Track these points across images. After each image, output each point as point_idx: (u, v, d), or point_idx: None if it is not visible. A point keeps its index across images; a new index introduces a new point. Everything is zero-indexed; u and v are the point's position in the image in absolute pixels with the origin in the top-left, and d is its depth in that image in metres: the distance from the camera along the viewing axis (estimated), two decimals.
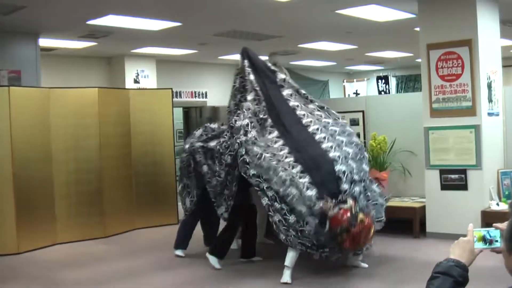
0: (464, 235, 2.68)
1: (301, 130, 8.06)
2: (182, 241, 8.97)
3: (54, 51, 13.65)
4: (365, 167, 8.08)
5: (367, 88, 20.88)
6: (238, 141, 7.69)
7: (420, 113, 9.66)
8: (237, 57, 16.13)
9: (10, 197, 9.29)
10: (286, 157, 7.56)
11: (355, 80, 21.26)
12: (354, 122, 11.45)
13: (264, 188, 7.35)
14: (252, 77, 8.59)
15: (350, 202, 7.06)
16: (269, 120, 8.20)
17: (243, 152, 7.56)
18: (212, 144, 8.41)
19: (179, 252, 8.88)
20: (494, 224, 2.69)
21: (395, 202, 10.22)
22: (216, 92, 17.95)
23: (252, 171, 7.43)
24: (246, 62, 8.80)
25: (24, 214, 9.37)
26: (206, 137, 8.72)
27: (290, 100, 8.55)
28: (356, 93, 20.24)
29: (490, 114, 9.26)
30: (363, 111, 11.38)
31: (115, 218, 10.55)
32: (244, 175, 7.54)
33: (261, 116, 8.22)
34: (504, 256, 2.39)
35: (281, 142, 7.86)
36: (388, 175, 10.48)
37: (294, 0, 9.54)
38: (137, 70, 15.41)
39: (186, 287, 7.41)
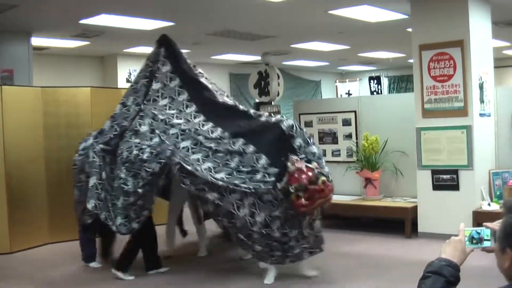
0: (456, 235, 2.69)
1: (235, 113, 7.85)
2: (91, 254, 8.46)
3: (46, 50, 13.63)
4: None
5: (360, 88, 20.91)
6: (170, 147, 7.24)
7: (412, 113, 9.68)
8: (230, 57, 16.22)
9: (2, 196, 9.28)
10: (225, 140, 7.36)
11: (347, 80, 21.29)
12: (346, 123, 11.48)
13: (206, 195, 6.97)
14: (168, 67, 8.17)
15: (315, 163, 6.92)
16: (194, 107, 7.89)
17: (177, 161, 7.04)
18: (121, 147, 7.61)
19: (93, 265, 8.39)
20: (484, 224, 2.70)
21: (387, 202, 10.28)
22: None
23: (189, 181, 6.98)
24: (162, 50, 8.33)
25: (17, 214, 9.36)
26: (108, 138, 7.92)
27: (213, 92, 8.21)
28: (349, 93, 20.27)
29: (481, 115, 9.29)
30: (355, 111, 11.40)
31: None
32: (184, 185, 7.09)
33: (188, 109, 7.88)
34: (497, 255, 2.40)
35: (210, 125, 7.58)
36: (380, 175, 10.51)
37: (287, 0, 9.55)
38: (129, 70, 15.40)
39: (181, 285, 7.43)
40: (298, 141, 7.13)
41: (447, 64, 9.19)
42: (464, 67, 9.03)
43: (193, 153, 7.31)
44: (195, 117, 7.75)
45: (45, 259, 8.89)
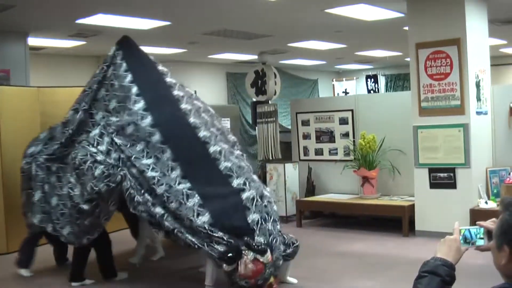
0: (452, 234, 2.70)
1: (194, 148, 7.06)
2: (26, 260, 8.11)
3: (43, 50, 13.62)
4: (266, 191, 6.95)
5: (357, 87, 20.90)
6: (122, 173, 6.70)
7: (409, 112, 9.69)
8: (227, 56, 16.21)
9: None
10: (179, 184, 6.62)
11: (344, 79, 21.28)
12: (343, 121, 11.50)
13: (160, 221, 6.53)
14: (128, 74, 7.42)
15: (268, 256, 6.22)
16: (158, 136, 6.97)
17: (128, 186, 6.63)
18: (76, 151, 7.12)
19: (23, 272, 8.02)
20: (477, 222, 2.71)
21: (384, 201, 10.29)
22: (205, 92, 17.90)
23: (142, 209, 6.57)
24: (121, 53, 7.68)
25: (14, 214, 9.33)
26: (54, 147, 7.59)
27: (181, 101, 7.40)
28: (346, 92, 20.25)
29: (478, 113, 9.30)
30: (352, 110, 11.42)
31: None
32: (133, 211, 6.69)
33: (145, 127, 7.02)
34: (493, 253, 2.40)
35: (177, 170, 6.79)
36: (377, 174, 10.52)
37: None
38: None
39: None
40: (255, 216, 6.45)
41: (443, 63, 9.19)
42: (460, 65, 9.04)
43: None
44: (151, 135, 6.95)
45: (42, 260, 8.84)
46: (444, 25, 9.19)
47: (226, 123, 16.90)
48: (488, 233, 2.61)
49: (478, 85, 9.28)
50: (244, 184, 6.71)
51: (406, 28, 10.10)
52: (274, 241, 6.44)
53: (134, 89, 7.20)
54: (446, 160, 9.28)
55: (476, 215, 8.74)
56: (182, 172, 6.73)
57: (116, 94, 7.26)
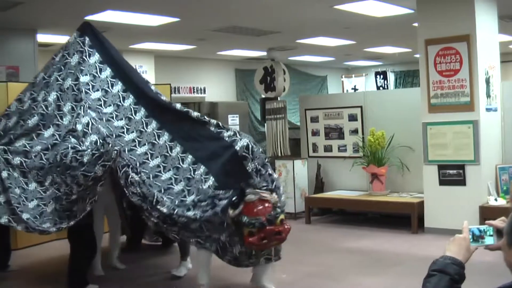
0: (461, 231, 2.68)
1: (185, 117, 6.99)
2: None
3: (52, 46, 13.63)
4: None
5: (366, 83, 20.85)
6: (116, 148, 6.20)
7: (418, 108, 9.66)
8: (236, 53, 16.20)
9: None
10: (172, 149, 6.65)
11: (353, 75, 21.23)
12: (352, 118, 11.48)
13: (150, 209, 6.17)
14: (96, 57, 7.23)
15: (275, 196, 6.12)
16: (132, 98, 7.07)
17: (124, 163, 6.23)
18: (21, 143, 6.73)
19: None
20: (486, 221, 2.69)
21: (393, 198, 10.27)
22: (214, 88, 17.96)
23: (135, 190, 6.16)
24: (87, 40, 7.33)
25: None
26: (8, 138, 6.97)
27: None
28: (355, 89, 20.20)
29: (488, 110, 9.26)
30: (361, 107, 11.39)
31: None
32: (126, 191, 6.26)
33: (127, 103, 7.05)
34: (504, 250, 2.38)
35: (165, 134, 6.81)
36: (386, 171, 10.50)
37: None
38: (135, 66, 15.35)
39: None
40: (253, 164, 6.35)
41: (453, 59, 9.16)
42: (470, 61, 9.01)
43: (145, 160, 6.61)
44: (135, 112, 6.99)
45: (51, 256, 8.85)
46: (454, 21, 9.16)
47: (235, 119, 16.98)
48: (498, 232, 2.60)
49: (487, 81, 9.25)
50: (235, 134, 6.63)
51: (416, 24, 10.07)
52: (277, 186, 6.43)
53: (119, 86, 7.17)
54: (456, 157, 9.25)
55: (486, 212, 8.72)
56: (171, 136, 6.81)
57: (94, 84, 7.07)
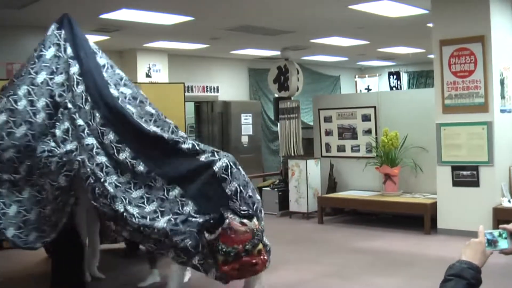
0: (475, 232, 2.67)
1: (141, 130, 6.28)
2: None
3: None
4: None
5: (379, 83, 20.81)
6: (79, 158, 5.85)
7: (432, 109, 9.65)
8: (249, 52, 16.20)
9: None
10: (135, 167, 6.03)
11: (366, 75, 21.18)
12: (366, 118, 11.47)
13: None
14: (69, 51, 6.67)
15: (255, 221, 5.62)
16: (90, 104, 6.33)
17: (89, 174, 5.79)
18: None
19: None
20: (500, 226, 2.69)
21: (406, 198, 10.26)
22: (228, 87, 17.96)
23: (106, 201, 5.74)
24: (63, 33, 6.85)
25: None
26: None
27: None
28: (368, 89, 20.16)
29: (502, 111, 9.24)
30: (375, 107, 11.39)
31: None
32: (94, 203, 5.86)
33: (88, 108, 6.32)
34: None
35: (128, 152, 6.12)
36: (399, 171, 10.48)
37: None
38: (149, 64, 15.42)
39: None
40: (232, 186, 5.83)
41: (467, 60, 9.14)
42: (485, 62, 8.99)
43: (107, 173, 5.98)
44: (93, 117, 6.27)
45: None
46: (469, 22, 9.13)
47: (248, 118, 16.99)
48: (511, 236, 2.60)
49: (502, 82, 9.22)
50: (213, 154, 6.03)
51: (430, 24, 10.05)
52: (258, 209, 5.93)
53: (76, 70, 6.50)
54: (469, 158, 9.22)
55: (499, 214, 8.71)
56: (133, 153, 6.11)
57: (60, 81, 6.47)
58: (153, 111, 6.67)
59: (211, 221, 5.58)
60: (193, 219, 5.69)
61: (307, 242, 9.57)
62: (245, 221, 5.52)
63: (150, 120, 6.51)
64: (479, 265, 2.53)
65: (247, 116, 17.22)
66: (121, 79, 6.87)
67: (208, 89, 17.61)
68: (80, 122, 6.16)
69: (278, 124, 13.20)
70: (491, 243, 2.61)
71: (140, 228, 5.67)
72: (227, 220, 5.47)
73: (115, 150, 6.08)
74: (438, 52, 9.43)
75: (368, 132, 11.48)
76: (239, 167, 6.04)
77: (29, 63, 6.61)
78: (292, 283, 7.12)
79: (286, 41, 13.71)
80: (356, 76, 21.24)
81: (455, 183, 9.38)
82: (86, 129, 6.13)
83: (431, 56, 9.77)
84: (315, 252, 8.76)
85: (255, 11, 10.84)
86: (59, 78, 6.46)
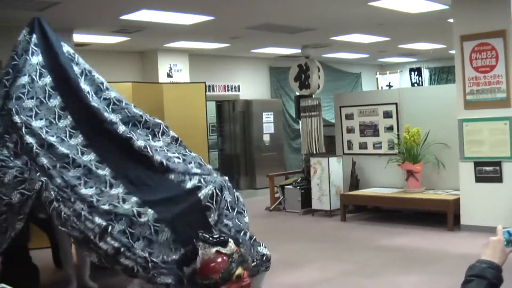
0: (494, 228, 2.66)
1: (126, 152, 5.94)
2: None
3: (87, 46, 13.75)
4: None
5: (400, 80, 20.75)
6: (42, 179, 5.32)
7: (454, 105, 9.60)
8: (270, 50, 16.21)
9: None
10: (111, 187, 5.63)
11: (388, 72, 21.13)
12: (387, 115, 11.45)
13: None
14: (38, 59, 6.22)
15: (232, 246, 5.24)
16: (70, 120, 5.99)
17: (52, 198, 5.26)
18: None
19: None
20: None
21: (429, 195, 10.23)
22: (249, 86, 17.97)
23: (75, 225, 5.19)
24: (34, 37, 6.33)
25: None
26: None
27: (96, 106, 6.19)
28: (389, 86, 20.12)
29: None
30: (396, 104, 11.36)
31: None
32: (62, 228, 5.30)
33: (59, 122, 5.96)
34: None
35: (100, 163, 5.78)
36: (421, 168, 10.45)
37: None
38: (170, 64, 15.46)
39: None
40: (215, 215, 5.62)
41: (489, 55, 9.09)
42: (506, 57, 8.94)
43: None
44: (71, 136, 5.90)
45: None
46: (489, 16, 9.09)
47: (270, 117, 17.01)
48: None
49: None
50: (199, 182, 5.74)
51: (451, 20, 10.00)
52: (239, 233, 5.70)
53: (56, 100, 6.08)
54: (492, 154, 9.18)
55: None
56: (112, 173, 5.75)
57: (30, 90, 6.01)
58: (140, 113, 6.39)
59: (186, 254, 5.29)
60: (169, 259, 5.31)
61: (330, 240, 9.57)
62: (218, 248, 5.16)
63: (140, 122, 6.25)
64: (499, 264, 2.51)
65: (268, 114, 17.25)
66: (102, 83, 6.50)
67: (229, 88, 17.64)
68: (29, 139, 5.62)
69: (300, 122, 13.20)
70: (509, 242, 2.58)
71: (120, 250, 5.16)
72: (200, 252, 5.13)
73: (94, 168, 5.70)
74: (459, 47, 9.39)
75: (390, 129, 11.45)
76: (227, 190, 5.78)
77: (4, 73, 6.15)
78: (315, 281, 7.13)
79: (306, 39, 13.70)
80: (377, 73, 21.21)
81: (478, 179, 9.34)
82: (55, 145, 5.69)
83: (453, 51, 9.72)
84: (338, 250, 8.76)
85: (275, 9, 10.85)
86: (22, 80, 5.98)
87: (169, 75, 15.32)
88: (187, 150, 6.26)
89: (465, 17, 9.38)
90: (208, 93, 13.63)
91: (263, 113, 17.10)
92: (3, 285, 2.50)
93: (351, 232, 10.03)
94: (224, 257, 5.11)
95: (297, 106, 12.99)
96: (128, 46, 14.31)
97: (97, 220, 5.21)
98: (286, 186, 12.67)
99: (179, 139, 6.36)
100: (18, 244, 5.75)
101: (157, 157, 5.88)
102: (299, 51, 13.92)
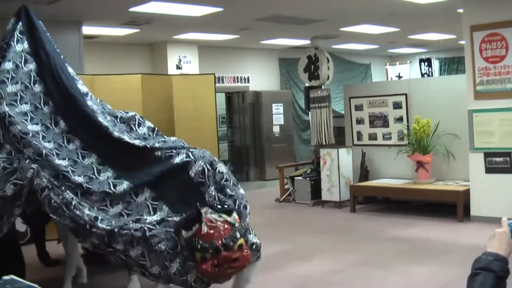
0: (510, 219, 2.65)
1: (109, 138, 5.75)
2: None
3: (97, 38, 13.77)
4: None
5: (410, 71, 20.70)
6: (33, 166, 5.15)
7: (464, 95, 9.58)
8: (279, 42, 16.19)
9: None
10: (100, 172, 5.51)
11: (397, 63, 21.08)
12: (397, 106, 11.43)
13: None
14: (24, 46, 5.95)
15: (235, 216, 5.24)
16: (52, 105, 5.80)
17: (44, 185, 5.13)
18: None
19: None
20: None
21: (438, 186, 10.21)
22: (258, 77, 17.97)
23: (65, 213, 5.08)
24: (20, 25, 6.05)
25: None
26: None
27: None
28: (399, 76, 20.07)
29: None
30: (406, 94, 11.34)
31: None
32: (54, 216, 5.22)
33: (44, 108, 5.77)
34: None
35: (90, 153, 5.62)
36: (431, 159, 10.43)
37: None
38: (179, 56, 15.47)
39: None
40: (211, 190, 5.47)
41: (499, 45, 9.06)
42: None
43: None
44: (55, 123, 5.74)
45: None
46: (499, 6, 9.05)
47: (279, 108, 17.00)
48: None
49: None
50: (188, 156, 5.59)
51: (460, 10, 9.97)
52: (242, 206, 5.55)
53: (40, 86, 5.87)
54: (502, 144, 9.16)
55: None
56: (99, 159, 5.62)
57: (14, 76, 5.78)
58: (112, 109, 6.20)
59: (188, 218, 5.21)
60: (169, 219, 5.26)
61: (340, 231, 9.58)
62: (223, 215, 5.16)
63: (116, 117, 6.05)
64: (506, 256, 2.49)
65: (278, 106, 17.24)
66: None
67: (239, 80, 17.64)
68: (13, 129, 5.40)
69: (309, 113, 13.20)
70: None
71: (114, 231, 5.09)
72: (204, 215, 5.08)
73: (79, 156, 5.57)
74: (469, 38, 9.36)
75: (400, 119, 11.43)
76: (218, 165, 5.63)
77: None
78: (325, 272, 7.13)
79: (316, 30, 13.68)
80: (387, 64, 21.15)
81: (488, 170, 9.32)
82: (42, 129, 5.58)
83: (463, 42, 9.69)
84: (348, 241, 8.76)
85: (284, 1, 10.83)
86: (6, 66, 5.77)
87: (178, 67, 15.34)
88: (165, 137, 6.09)
89: (474, 7, 9.34)
90: (217, 84, 13.62)
91: (273, 105, 17.10)
92: (12, 276, 2.50)
93: (361, 223, 10.03)
94: (228, 226, 5.09)
95: (306, 97, 12.99)
96: (137, 38, 14.32)
97: (87, 211, 5.12)
98: (296, 177, 12.67)
99: (156, 128, 6.19)
100: (6, 239, 5.56)
101: (137, 141, 5.80)
102: (308, 42, 13.91)
